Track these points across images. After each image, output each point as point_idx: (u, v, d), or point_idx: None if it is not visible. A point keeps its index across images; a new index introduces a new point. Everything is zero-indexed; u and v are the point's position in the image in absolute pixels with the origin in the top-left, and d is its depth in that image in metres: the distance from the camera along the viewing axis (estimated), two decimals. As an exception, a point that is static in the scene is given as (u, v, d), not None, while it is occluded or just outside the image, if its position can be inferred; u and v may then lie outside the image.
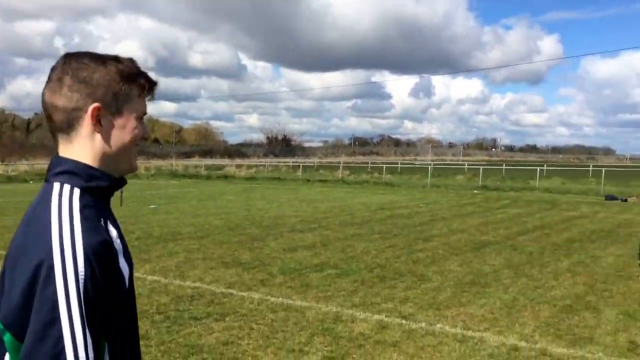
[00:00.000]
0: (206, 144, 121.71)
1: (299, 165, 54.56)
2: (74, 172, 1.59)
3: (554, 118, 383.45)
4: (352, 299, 8.65)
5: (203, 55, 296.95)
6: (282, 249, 12.79)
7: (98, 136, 1.61)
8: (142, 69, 1.71)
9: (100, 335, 1.47)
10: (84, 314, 1.42)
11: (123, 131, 1.65)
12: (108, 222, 1.61)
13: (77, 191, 1.56)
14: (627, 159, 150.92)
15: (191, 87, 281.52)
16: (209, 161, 73.85)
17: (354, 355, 6.32)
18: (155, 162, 63.08)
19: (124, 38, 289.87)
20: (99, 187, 1.62)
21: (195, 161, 73.61)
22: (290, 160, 77.72)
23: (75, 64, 1.61)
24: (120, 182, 1.70)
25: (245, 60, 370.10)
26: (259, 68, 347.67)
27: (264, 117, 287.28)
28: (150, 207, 21.44)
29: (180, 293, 8.91)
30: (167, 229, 15.73)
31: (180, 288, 9.23)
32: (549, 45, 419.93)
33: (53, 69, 1.63)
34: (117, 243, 1.60)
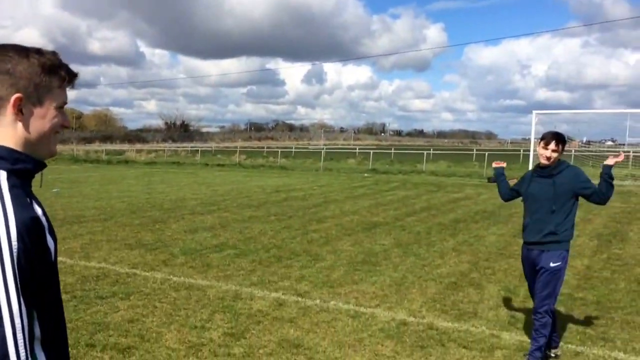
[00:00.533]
0: (106, 130, 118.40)
1: (197, 150, 54.04)
2: (0, 156, 1.67)
3: (439, 104, 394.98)
4: (250, 278, 8.84)
5: (102, 43, 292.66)
6: (183, 231, 12.90)
7: (20, 124, 1.69)
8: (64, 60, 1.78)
9: (32, 304, 1.57)
10: (19, 285, 1.51)
11: (43, 120, 1.73)
12: (33, 201, 1.69)
13: (4, 173, 1.62)
14: (507, 143, 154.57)
15: (91, 74, 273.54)
16: (109, 146, 72.17)
17: (252, 331, 6.49)
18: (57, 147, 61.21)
19: (25, 25, 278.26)
20: (24, 170, 1.70)
21: (95, 146, 71.57)
22: (188, 145, 76.86)
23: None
24: (42, 165, 1.79)
25: (143, 47, 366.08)
26: (156, 55, 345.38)
27: (162, 103, 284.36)
28: (53, 191, 20.83)
29: (86, 273, 8.92)
30: (70, 212, 15.50)
31: (85, 269, 9.23)
32: (435, 33, 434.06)
33: None
34: (43, 220, 1.68)
